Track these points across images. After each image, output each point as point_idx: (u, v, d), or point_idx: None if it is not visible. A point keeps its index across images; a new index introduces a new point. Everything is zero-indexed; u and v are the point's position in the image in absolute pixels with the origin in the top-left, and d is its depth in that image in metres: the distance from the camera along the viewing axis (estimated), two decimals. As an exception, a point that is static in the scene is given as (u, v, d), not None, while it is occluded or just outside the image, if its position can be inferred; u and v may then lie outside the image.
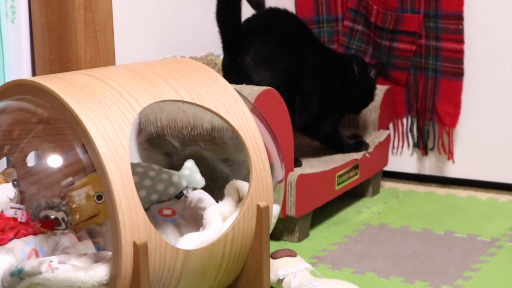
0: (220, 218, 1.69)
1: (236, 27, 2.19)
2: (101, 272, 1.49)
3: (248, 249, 1.71)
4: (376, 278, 2.00)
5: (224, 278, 1.70)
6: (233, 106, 1.72)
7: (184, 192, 1.98)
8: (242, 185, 1.77)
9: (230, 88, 1.75)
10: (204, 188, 2.01)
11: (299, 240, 2.25)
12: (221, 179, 1.91)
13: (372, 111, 2.64)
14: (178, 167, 2.03)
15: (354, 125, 2.68)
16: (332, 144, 2.48)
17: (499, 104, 2.64)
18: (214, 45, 2.39)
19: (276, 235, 2.26)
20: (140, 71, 1.67)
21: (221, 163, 2.05)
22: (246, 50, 2.20)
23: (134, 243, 1.46)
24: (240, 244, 1.68)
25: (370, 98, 2.52)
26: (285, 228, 2.25)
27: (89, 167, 1.76)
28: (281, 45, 2.25)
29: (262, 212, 1.68)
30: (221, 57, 2.46)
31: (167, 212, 1.90)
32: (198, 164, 2.04)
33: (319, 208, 2.36)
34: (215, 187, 1.97)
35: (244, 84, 2.15)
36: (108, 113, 1.51)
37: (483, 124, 2.67)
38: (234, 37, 2.19)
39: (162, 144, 2.17)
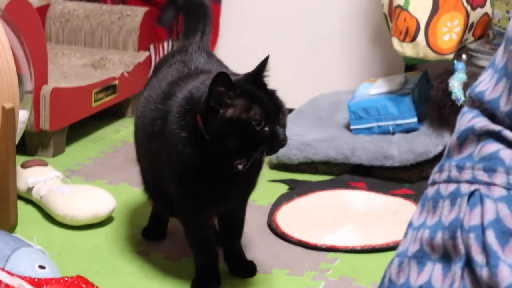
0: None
1: None
2: None
3: (-8, 152, 1.67)
4: (128, 188, 2.03)
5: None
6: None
7: None
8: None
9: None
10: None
11: (54, 155, 2.23)
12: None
13: (132, 32, 2.63)
14: None
15: (114, 45, 2.65)
16: None
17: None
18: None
19: (30, 151, 2.23)
20: None
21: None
22: None
23: None
24: (-17, 146, 1.64)
25: None
26: (39, 143, 2.22)
27: None
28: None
29: (8, 114, 1.65)
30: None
31: None
32: None
33: (77, 126, 2.34)
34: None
35: None
36: None
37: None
38: None
39: None
